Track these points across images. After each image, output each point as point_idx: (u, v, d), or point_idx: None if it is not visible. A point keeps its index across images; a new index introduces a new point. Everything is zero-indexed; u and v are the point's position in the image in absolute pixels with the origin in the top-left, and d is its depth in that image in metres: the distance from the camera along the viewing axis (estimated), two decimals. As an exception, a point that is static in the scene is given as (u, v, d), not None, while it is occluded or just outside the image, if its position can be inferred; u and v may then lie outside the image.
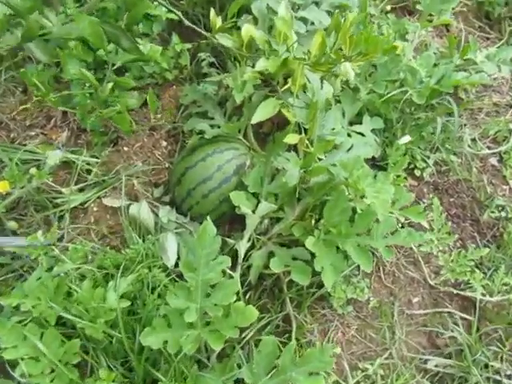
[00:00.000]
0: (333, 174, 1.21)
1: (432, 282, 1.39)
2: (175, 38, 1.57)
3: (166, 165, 1.49)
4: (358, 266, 1.34)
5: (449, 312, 1.35)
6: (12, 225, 1.32)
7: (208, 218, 1.06)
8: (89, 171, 1.40)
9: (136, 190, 1.39)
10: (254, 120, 1.17)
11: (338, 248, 1.19)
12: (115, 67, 1.03)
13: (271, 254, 1.25)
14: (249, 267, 1.26)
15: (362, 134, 1.44)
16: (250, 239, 1.27)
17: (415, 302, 1.37)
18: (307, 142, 1.23)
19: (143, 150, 1.50)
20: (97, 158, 1.44)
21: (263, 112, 1.18)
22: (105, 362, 1.02)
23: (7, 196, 1.32)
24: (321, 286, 1.28)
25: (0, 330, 0.95)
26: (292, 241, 1.27)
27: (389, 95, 1.45)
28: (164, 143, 1.53)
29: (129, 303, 1.06)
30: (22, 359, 0.92)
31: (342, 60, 1.05)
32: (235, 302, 1.03)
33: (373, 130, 1.48)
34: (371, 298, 1.35)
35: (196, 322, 1.02)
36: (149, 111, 1.54)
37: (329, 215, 1.19)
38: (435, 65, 1.56)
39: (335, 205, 1.17)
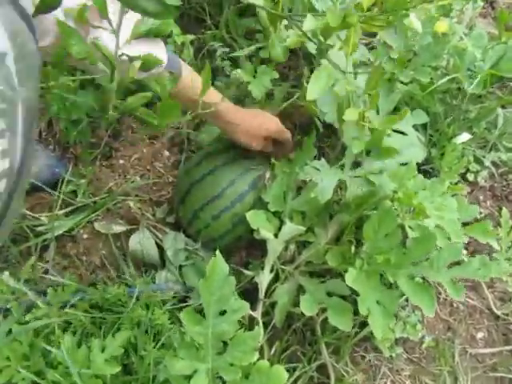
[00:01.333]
0: (375, 184, 0.96)
1: (499, 312, 1.13)
2: (175, 29, 1.33)
3: (170, 179, 1.25)
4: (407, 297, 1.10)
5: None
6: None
7: (217, 252, 0.82)
8: (76, 192, 1.17)
9: (134, 212, 1.16)
10: (310, 96, 0.86)
11: (383, 279, 0.94)
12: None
13: (300, 289, 1.01)
14: (273, 304, 1.02)
15: (402, 133, 1.18)
16: (272, 269, 1.03)
17: (480, 339, 1.11)
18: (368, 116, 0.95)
19: (142, 162, 1.26)
20: (85, 175, 1.20)
21: (318, 84, 0.86)
22: None
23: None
24: (363, 324, 1.03)
25: None
26: (325, 270, 1.03)
27: (436, 84, 1.18)
28: (166, 153, 1.29)
29: (119, 368, 0.82)
30: None
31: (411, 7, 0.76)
32: (257, 360, 0.79)
33: (414, 127, 1.23)
34: (425, 336, 1.09)
35: (208, 388, 0.78)
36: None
37: (373, 239, 0.94)
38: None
39: (381, 226, 0.91)
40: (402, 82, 1.23)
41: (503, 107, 1.33)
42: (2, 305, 0.89)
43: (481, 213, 1.26)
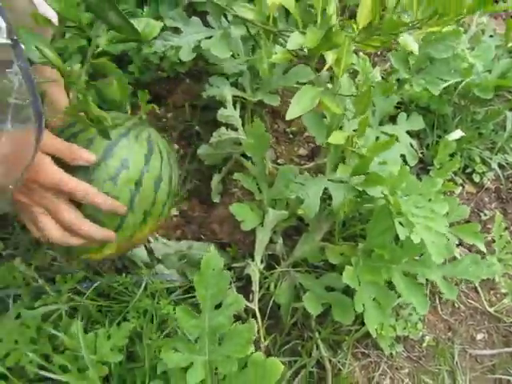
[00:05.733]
0: (357, 189, 0.97)
1: (499, 314, 1.13)
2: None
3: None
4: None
5: (523, 353, 1.09)
6: (-2, 246, 1.12)
7: (212, 247, 0.84)
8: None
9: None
10: (290, 115, 0.83)
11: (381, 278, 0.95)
12: (98, 50, 0.77)
13: (299, 286, 1.02)
14: (265, 295, 1.03)
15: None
16: (262, 260, 1.04)
17: (479, 340, 1.12)
18: (356, 141, 0.95)
19: (149, 155, 1.28)
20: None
21: (301, 104, 0.83)
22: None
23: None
24: (363, 321, 1.05)
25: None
26: (325, 264, 1.04)
27: (445, 84, 1.19)
28: (175, 146, 1.31)
29: (122, 358, 0.84)
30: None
31: (406, 27, 0.75)
32: (254, 352, 0.81)
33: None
34: (426, 335, 1.10)
35: (206, 380, 0.80)
36: (157, 109, 1.32)
37: (370, 235, 0.95)
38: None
39: (376, 223, 0.92)
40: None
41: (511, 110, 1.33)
42: (13, 290, 0.91)
43: (485, 214, 1.26)
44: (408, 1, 0.70)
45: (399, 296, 0.93)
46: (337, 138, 0.87)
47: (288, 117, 0.81)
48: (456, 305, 1.14)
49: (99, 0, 0.76)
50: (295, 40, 0.74)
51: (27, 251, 1.12)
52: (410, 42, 0.76)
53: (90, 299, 0.98)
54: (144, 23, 0.78)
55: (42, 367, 0.85)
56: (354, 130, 1.00)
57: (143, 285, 0.99)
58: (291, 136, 1.37)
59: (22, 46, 0.58)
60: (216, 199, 1.25)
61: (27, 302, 0.93)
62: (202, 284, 0.78)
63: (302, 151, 1.36)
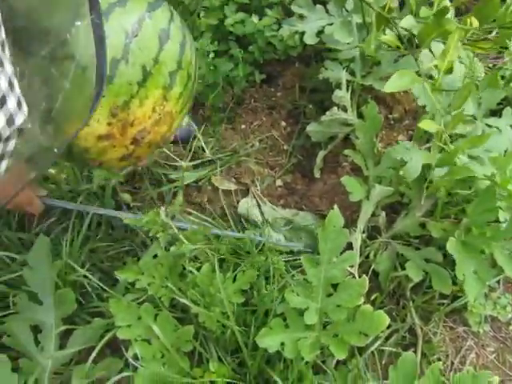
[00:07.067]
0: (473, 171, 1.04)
1: None
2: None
3: (285, 147, 1.38)
4: (498, 280, 1.17)
5: None
6: (126, 197, 1.28)
7: (335, 206, 0.94)
8: (203, 148, 1.33)
9: (248, 174, 1.31)
10: (388, 88, 0.95)
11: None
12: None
13: (399, 256, 1.11)
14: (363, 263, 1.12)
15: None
16: (364, 231, 1.13)
17: None
18: (446, 135, 1.03)
19: (261, 129, 1.41)
20: (212, 134, 1.37)
21: (399, 81, 0.95)
22: (215, 354, 0.94)
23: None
24: (453, 297, 1.12)
25: (116, 307, 0.90)
26: (418, 238, 1.12)
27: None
28: (283, 123, 1.42)
29: (243, 299, 0.97)
30: (136, 340, 0.87)
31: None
32: (361, 305, 0.91)
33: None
34: (514, 318, 1.15)
35: (316, 324, 0.91)
36: (269, 88, 1.44)
37: (472, 213, 1.02)
38: None
39: (480, 202, 0.99)
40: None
41: None
42: (154, 234, 1.05)
43: None
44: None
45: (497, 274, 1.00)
46: (427, 125, 0.95)
47: (386, 88, 0.90)
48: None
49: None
50: (408, 20, 0.83)
51: (153, 204, 1.27)
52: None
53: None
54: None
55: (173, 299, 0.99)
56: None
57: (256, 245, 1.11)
58: (392, 122, 1.44)
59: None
60: (317, 174, 1.35)
61: (163, 245, 1.08)
62: (323, 238, 0.89)
63: (401, 137, 1.43)
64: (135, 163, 0.88)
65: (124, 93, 0.71)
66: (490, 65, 1.56)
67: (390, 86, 0.97)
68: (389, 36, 1.11)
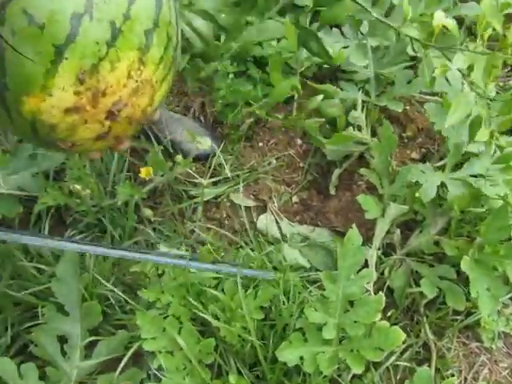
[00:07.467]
0: (474, 187, 1.07)
1: None
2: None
3: (301, 164, 1.42)
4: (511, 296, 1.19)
5: None
6: (148, 213, 1.33)
7: (354, 225, 0.98)
8: (221, 165, 1.37)
9: (266, 190, 1.36)
10: (450, 121, 0.91)
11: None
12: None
13: (413, 272, 1.14)
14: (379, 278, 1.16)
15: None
16: (379, 248, 1.17)
17: None
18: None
19: (277, 147, 1.45)
20: (231, 152, 1.41)
21: (460, 110, 0.90)
22: (235, 366, 0.98)
23: (146, 183, 1.33)
24: (467, 314, 1.14)
25: (141, 320, 0.94)
26: (434, 257, 1.15)
27: None
28: (299, 141, 1.47)
29: (263, 316, 1.00)
30: (160, 352, 0.91)
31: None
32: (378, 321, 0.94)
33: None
34: (526, 335, 1.17)
35: (334, 339, 0.94)
36: (286, 106, 1.49)
37: (485, 232, 1.05)
38: None
39: (493, 221, 1.02)
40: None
41: None
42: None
43: None
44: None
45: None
46: (482, 134, 0.97)
47: (447, 124, 0.92)
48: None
49: (304, 32, 0.94)
50: (459, 58, 0.86)
51: (173, 218, 1.32)
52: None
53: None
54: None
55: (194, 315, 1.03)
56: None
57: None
58: (406, 140, 1.48)
59: None
60: (332, 191, 1.39)
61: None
62: (342, 255, 0.93)
63: (415, 155, 1.47)
64: (115, 145, 0.73)
65: (91, 54, 0.60)
66: (501, 83, 1.60)
67: (450, 121, 0.93)
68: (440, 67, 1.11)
